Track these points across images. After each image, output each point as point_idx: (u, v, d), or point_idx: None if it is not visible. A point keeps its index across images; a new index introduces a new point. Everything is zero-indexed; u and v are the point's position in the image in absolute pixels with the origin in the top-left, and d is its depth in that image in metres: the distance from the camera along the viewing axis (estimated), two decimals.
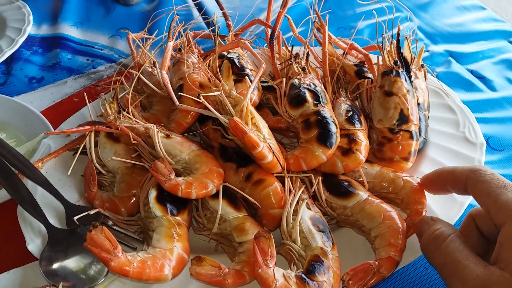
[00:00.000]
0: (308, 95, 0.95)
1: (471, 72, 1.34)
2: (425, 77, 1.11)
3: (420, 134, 0.98)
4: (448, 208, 0.87)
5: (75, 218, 0.87)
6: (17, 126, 1.17)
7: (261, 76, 1.10)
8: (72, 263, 0.82)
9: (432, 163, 0.97)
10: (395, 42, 1.02)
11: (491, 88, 1.28)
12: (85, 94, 1.07)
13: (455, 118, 1.06)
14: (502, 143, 1.12)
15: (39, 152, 1.04)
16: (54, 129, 1.11)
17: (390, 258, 0.75)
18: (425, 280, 0.85)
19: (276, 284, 0.70)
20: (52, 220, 0.89)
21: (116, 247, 0.73)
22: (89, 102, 1.04)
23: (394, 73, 0.98)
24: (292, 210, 0.82)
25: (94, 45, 1.51)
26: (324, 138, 0.88)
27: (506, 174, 1.05)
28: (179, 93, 0.97)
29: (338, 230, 0.87)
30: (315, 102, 0.94)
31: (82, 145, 0.97)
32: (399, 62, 1.00)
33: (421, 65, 1.12)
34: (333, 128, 0.90)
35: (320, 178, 0.88)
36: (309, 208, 0.83)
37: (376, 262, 0.76)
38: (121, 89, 1.09)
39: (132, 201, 0.91)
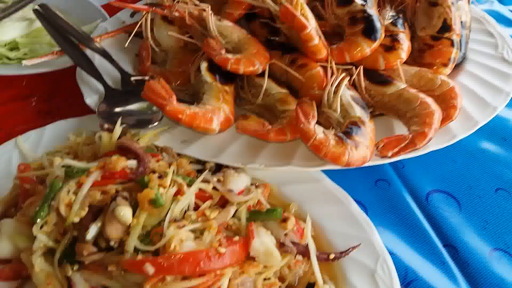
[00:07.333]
0: None
1: None
2: (469, 2, 1.14)
3: (460, 49, 1.02)
4: (481, 109, 0.91)
5: (132, 78, 0.94)
6: (78, 15, 1.25)
7: None
8: (128, 108, 0.89)
9: (470, 76, 1.01)
10: None
11: None
12: None
13: (494, 42, 1.10)
14: None
15: (96, 32, 1.12)
16: None
17: (423, 133, 0.80)
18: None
19: (316, 137, 0.75)
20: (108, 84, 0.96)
21: (172, 95, 0.80)
22: None
23: None
24: (333, 89, 0.87)
25: None
26: (369, 31, 0.93)
27: None
28: None
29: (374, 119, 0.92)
30: (362, 2, 0.98)
31: (139, 23, 1.03)
32: None
33: None
34: (378, 24, 0.94)
35: (361, 67, 0.93)
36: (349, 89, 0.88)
37: (410, 135, 0.81)
38: None
39: (182, 76, 0.97)
